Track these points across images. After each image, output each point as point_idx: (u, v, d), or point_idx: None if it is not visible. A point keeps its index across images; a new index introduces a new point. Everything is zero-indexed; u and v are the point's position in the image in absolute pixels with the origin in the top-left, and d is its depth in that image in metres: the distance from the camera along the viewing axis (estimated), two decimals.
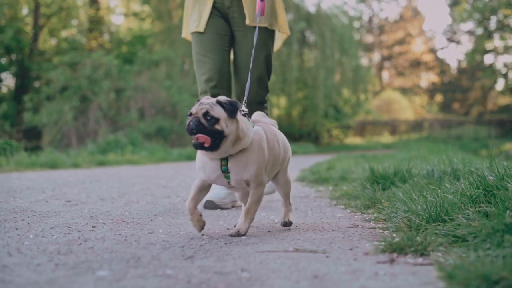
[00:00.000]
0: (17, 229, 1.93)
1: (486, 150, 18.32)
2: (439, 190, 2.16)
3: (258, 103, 2.86)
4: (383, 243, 1.50)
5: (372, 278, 1.19)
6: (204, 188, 1.83)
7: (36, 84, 16.53)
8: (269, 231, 1.95)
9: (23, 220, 2.19)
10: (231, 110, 1.66)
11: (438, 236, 1.54)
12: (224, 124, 1.65)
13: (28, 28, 16.48)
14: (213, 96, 2.72)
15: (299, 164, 8.56)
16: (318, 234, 1.82)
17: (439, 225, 1.66)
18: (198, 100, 1.75)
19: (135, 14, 19.52)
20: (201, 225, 1.81)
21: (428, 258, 1.35)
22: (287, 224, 2.01)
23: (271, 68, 2.94)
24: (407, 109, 32.98)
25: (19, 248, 1.55)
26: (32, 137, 14.12)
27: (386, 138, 26.80)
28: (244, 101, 2.10)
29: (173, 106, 14.93)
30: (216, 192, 2.73)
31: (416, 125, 29.29)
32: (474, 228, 1.50)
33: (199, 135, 1.64)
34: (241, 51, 2.87)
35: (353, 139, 25.64)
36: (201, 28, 2.84)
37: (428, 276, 1.18)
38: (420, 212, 1.82)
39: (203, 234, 1.86)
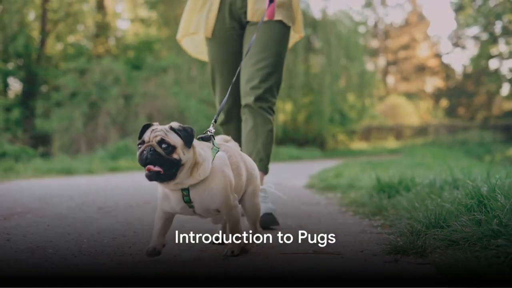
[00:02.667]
0: (69, 234, 2.21)
1: (490, 156, 18.49)
2: (439, 199, 2.42)
3: (257, 99, 2.51)
4: (389, 246, 1.77)
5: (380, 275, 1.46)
6: (168, 220, 1.75)
7: (43, 89, 16.73)
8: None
9: (69, 226, 2.47)
10: (187, 138, 1.57)
11: (436, 241, 1.80)
12: (182, 152, 1.56)
13: (35, 34, 16.74)
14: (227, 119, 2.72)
15: (306, 170, 8.81)
16: (333, 238, 2.09)
17: (437, 230, 1.92)
18: (149, 126, 1.62)
19: (142, 20, 19.68)
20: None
21: (427, 258, 1.62)
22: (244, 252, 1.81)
23: (282, 68, 2.62)
24: (412, 114, 33.14)
25: (80, 251, 1.83)
26: (41, 143, 14.39)
27: (391, 143, 26.94)
28: (213, 120, 1.92)
29: (181, 112, 15.16)
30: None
31: (421, 130, 29.43)
32: (466, 234, 1.76)
33: (150, 166, 1.54)
34: (252, 51, 2.54)
35: (358, 144, 25.81)
36: (208, 33, 2.63)
37: (426, 270, 1.45)
38: (421, 219, 2.08)
39: None
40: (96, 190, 4.77)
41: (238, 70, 2.34)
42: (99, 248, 1.89)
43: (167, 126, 1.60)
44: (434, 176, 3.53)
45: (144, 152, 1.54)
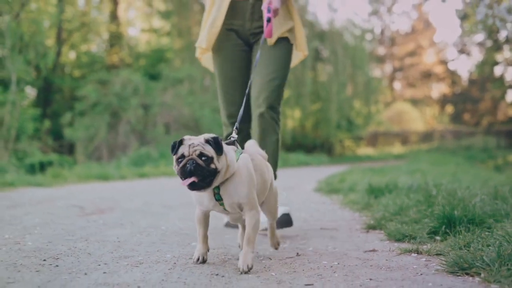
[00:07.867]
0: (163, 220, 3.39)
1: (492, 161, 19.35)
2: (405, 198, 3.58)
3: (269, 108, 2.73)
4: (365, 225, 2.94)
5: (357, 237, 2.65)
6: (206, 218, 1.99)
7: (58, 97, 17.11)
8: (304, 221, 3.39)
9: (153, 216, 3.64)
10: (218, 148, 1.76)
11: (394, 222, 2.96)
12: (217, 161, 1.75)
13: (50, 43, 16.90)
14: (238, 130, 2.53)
15: (314, 175, 9.88)
16: (333, 222, 3.27)
17: (397, 216, 3.07)
18: (180, 141, 1.78)
19: (155, 31, 20.01)
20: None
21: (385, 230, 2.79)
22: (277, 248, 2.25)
23: (285, 80, 2.82)
24: (418, 120, 33.88)
25: (176, 231, 2.99)
26: (67, 151, 15.30)
27: (397, 148, 27.68)
28: (235, 127, 2.11)
29: (196, 121, 15.74)
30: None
31: (427, 136, 30.18)
32: (412, 217, 2.92)
33: (185, 180, 1.73)
34: (260, 65, 2.74)
35: (365, 150, 26.50)
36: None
37: (381, 236, 2.63)
38: (390, 210, 3.24)
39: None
40: (145, 192, 5.92)
41: (248, 87, 2.47)
42: (189, 229, 3.04)
43: (202, 139, 1.78)
44: (412, 181, 4.68)
45: (187, 165, 1.74)
